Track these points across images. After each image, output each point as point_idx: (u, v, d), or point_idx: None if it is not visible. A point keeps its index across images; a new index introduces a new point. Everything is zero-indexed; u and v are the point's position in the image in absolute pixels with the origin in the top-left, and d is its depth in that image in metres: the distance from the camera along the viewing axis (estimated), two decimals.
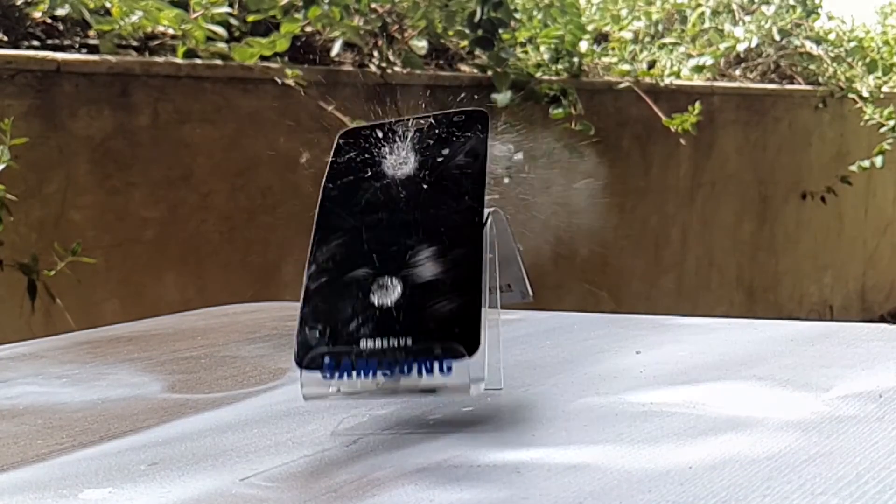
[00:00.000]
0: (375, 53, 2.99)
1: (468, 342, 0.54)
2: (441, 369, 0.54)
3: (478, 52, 3.24)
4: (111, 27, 2.48)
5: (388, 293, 0.55)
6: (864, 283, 5.04)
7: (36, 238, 2.24)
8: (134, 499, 0.54)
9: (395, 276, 0.55)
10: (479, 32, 3.18)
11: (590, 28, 3.84)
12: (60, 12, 2.45)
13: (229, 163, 2.59)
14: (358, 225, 0.58)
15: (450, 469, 0.56)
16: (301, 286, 0.58)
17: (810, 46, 4.43)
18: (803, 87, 4.45)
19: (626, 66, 3.71)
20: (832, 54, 4.49)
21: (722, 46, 4.23)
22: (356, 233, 0.57)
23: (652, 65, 3.91)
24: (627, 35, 4.09)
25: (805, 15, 4.48)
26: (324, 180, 0.61)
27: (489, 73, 3.20)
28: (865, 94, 4.39)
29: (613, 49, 3.89)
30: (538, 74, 3.36)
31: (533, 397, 0.71)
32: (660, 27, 4.37)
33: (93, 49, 2.45)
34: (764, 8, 4.46)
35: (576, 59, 3.49)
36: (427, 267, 0.55)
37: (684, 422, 0.63)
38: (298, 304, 0.58)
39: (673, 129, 3.62)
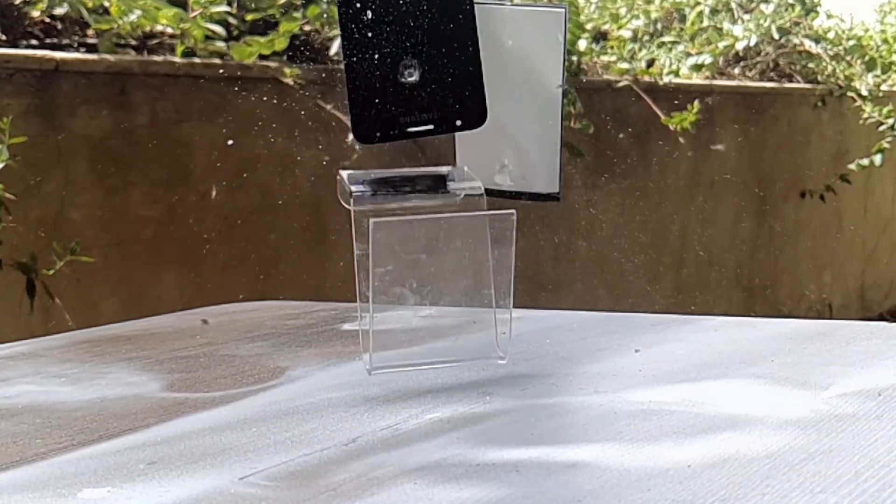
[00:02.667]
0: None
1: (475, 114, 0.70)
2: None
3: None
4: (110, 26, 2.48)
5: (412, 74, 0.68)
6: (863, 282, 5.04)
7: (35, 237, 2.24)
8: (133, 498, 0.54)
9: (415, 59, 0.68)
10: None
11: (588, 26, 3.84)
12: (59, 11, 2.45)
13: (228, 162, 2.59)
14: (377, 21, 0.68)
15: (449, 467, 0.56)
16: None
17: (809, 45, 4.43)
18: (802, 85, 4.45)
19: (624, 65, 3.71)
20: (831, 52, 4.48)
21: (721, 45, 4.23)
22: (376, 28, 0.68)
23: (651, 63, 3.91)
24: (626, 33, 4.09)
25: (804, 13, 4.48)
26: None
27: None
28: (864, 93, 4.39)
29: (612, 47, 3.88)
30: None
31: (532, 396, 0.71)
32: (659, 25, 4.37)
33: (91, 48, 2.45)
34: (763, 6, 4.45)
35: (574, 58, 3.49)
36: (437, 49, 0.68)
37: (683, 420, 0.63)
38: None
39: (672, 127, 3.62)
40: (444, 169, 0.72)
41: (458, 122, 0.69)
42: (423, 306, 0.73)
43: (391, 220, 0.69)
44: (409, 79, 0.67)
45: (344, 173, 0.71)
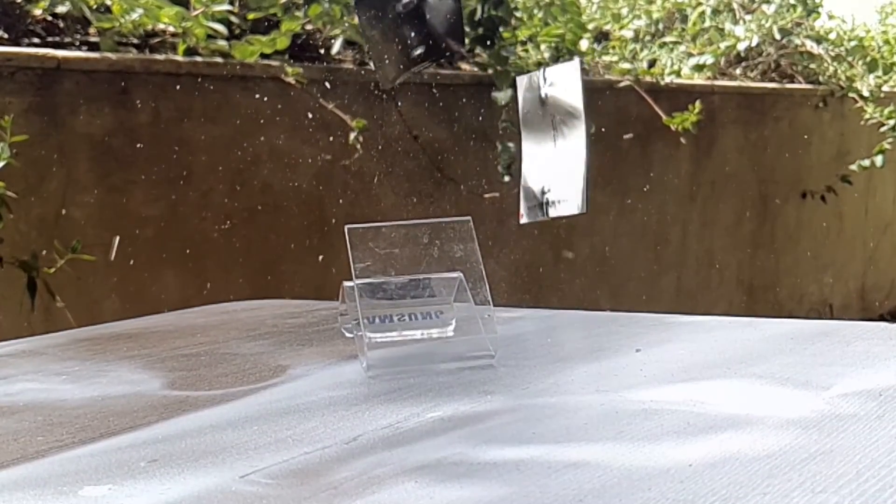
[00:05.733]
0: None
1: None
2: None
3: (478, 50, 3.24)
4: (112, 25, 2.48)
5: (419, 49, 0.94)
6: (864, 283, 5.04)
7: (36, 235, 2.24)
8: (134, 496, 0.54)
9: (418, 34, 0.94)
10: (480, 31, 3.18)
11: (590, 27, 3.84)
12: (61, 9, 2.45)
13: (229, 161, 2.59)
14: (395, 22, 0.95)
15: (450, 466, 0.56)
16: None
17: (811, 45, 4.43)
18: (804, 86, 4.45)
19: (626, 65, 3.71)
20: (832, 53, 4.48)
21: (722, 45, 4.23)
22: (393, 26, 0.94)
23: (652, 63, 3.91)
24: (628, 34, 4.09)
25: (805, 14, 4.48)
26: None
27: (490, 71, 3.20)
28: (866, 94, 4.39)
29: (614, 48, 3.88)
30: None
31: (533, 395, 0.71)
32: (660, 26, 4.37)
33: (93, 47, 2.45)
34: (764, 7, 4.45)
35: (576, 58, 3.49)
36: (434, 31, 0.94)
37: (684, 420, 0.63)
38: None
39: (673, 128, 3.62)
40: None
41: (448, 54, 0.97)
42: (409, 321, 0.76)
43: (367, 226, 0.81)
44: (417, 52, 0.95)
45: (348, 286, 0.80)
